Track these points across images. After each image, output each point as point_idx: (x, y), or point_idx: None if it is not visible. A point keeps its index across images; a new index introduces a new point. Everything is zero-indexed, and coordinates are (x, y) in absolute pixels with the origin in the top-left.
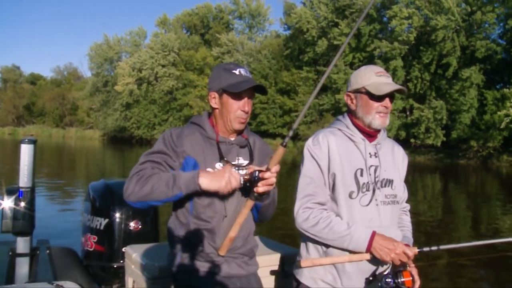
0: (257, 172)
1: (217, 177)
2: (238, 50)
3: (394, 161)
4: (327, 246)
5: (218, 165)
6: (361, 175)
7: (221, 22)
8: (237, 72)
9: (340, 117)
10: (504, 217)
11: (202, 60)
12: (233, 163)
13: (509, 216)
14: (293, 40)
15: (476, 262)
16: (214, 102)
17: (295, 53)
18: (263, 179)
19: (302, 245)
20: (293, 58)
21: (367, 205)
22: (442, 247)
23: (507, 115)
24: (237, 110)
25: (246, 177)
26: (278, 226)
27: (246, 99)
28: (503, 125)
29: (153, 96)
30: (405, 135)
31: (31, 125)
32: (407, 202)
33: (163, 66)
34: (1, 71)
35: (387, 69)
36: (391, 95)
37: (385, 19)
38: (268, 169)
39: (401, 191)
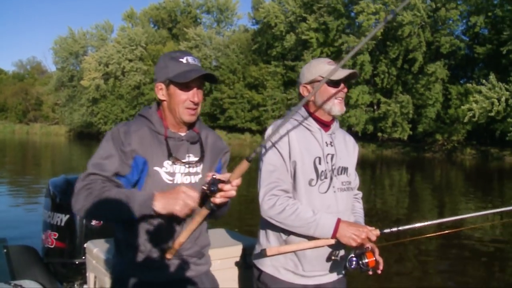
0: (216, 183)
1: (172, 199)
2: (206, 45)
3: (347, 149)
4: (288, 233)
5: (167, 163)
6: (319, 163)
7: (189, 16)
8: (184, 60)
9: (294, 107)
10: (467, 206)
11: None
12: (183, 160)
13: (470, 205)
14: (261, 34)
15: (432, 240)
16: (161, 94)
17: (263, 48)
18: (222, 190)
19: (262, 233)
20: (261, 53)
21: (325, 192)
22: (401, 227)
23: (470, 109)
24: (186, 101)
25: (204, 187)
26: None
27: (195, 89)
28: (466, 119)
29: (120, 91)
30: (373, 129)
31: None
32: (359, 189)
33: (130, 60)
34: None
35: (354, 64)
36: (345, 81)
37: (352, 14)
38: (228, 181)
39: (354, 178)
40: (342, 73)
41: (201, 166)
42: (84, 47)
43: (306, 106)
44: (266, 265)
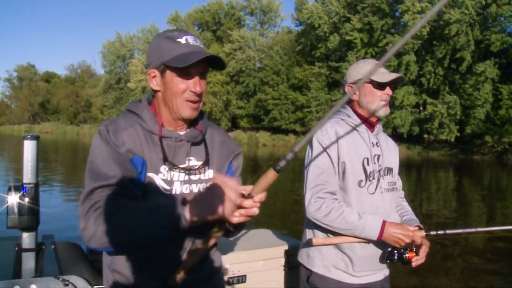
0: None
1: (206, 200)
2: (250, 46)
3: (390, 150)
4: (335, 234)
5: (163, 169)
6: (368, 163)
7: (232, 18)
8: (182, 40)
9: (336, 106)
10: None
11: None
12: (181, 166)
13: None
14: (305, 35)
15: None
16: (155, 82)
17: (307, 49)
18: (241, 207)
19: (309, 232)
20: (305, 54)
21: (374, 192)
22: (448, 231)
23: None
24: (186, 92)
25: None
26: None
27: (197, 77)
28: None
29: None
30: (419, 131)
31: (46, 123)
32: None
33: None
34: (17, 70)
35: (400, 64)
36: (391, 85)
37: (397, 13)
38: (250, 196)
39: (398, 178)
40: (388, 77)
41: (206, 171)
42: (131, 50)
43: (352, 105)
44: (317, 266)
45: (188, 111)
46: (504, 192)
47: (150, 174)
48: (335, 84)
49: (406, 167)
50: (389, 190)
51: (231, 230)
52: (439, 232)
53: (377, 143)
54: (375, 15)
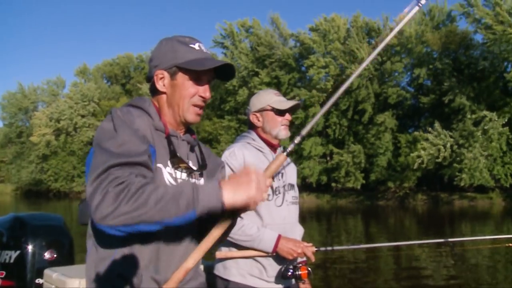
0: None
1: (243, 183)
2: None
3: (291, 169)
4: (237, 247)
5: (169, 164)
6: (273, 180)
7: (142, 72)
8: (196, 46)
9: (245, 133)
10: (420, 250)
11: None
12: (186, 165)
13: (423, 249)
14: (214, 89)
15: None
16: (162, 84)
17: (217, 103)
18: None
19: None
20: (215, 107)
21: (281, 205)
22: (336, 247)
23: (419, 156)
24: (195, 96)
25: None
26: None
27: (207, 83)
28: (416, 166)
29: (72, 147)
30: (327, 180)
31: None
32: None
33: (83, 116)
34: None
35: (306, 117)
36: (289, 111)
37: (303, 68)
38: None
39: (298, 193)
40: (287, 104)
41: (201, 179)
42: (35, 102)
43: (256, 131)
44: (233, 275)
45: (193, 116)
46: (406, 232)
47: (159, 165)
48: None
49: (316, 216)
50: (293, 203)
51: (240, 217)
52: (327, 248)
53: None
54: (282, 70)
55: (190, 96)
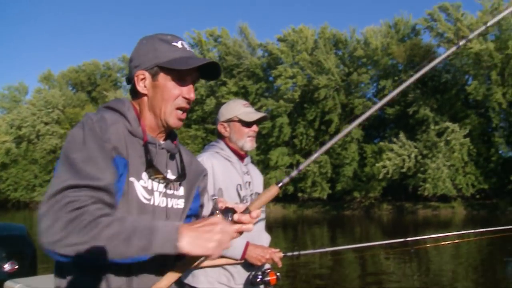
0: (230, 213)
1: (204, 233)
2: None
3: (257, 178)
4: None
5: (144, 175)
6: (241, 189)
7: (109, 79)
8: (179, 44)
9: (213, 142)
10: (383, 254)
11: None
12: (163, 176)
13: (386, 253)
14: None
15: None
16: (143, 85)
17: None
18: (238, 222)
19: None
20: None
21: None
22: (302, 252)
23: (384, 167)
24: (178, 98)
25: (217, 213)
26: None
27: (191, 84)
28: (381, 176)
29: (34, 155)
30: (293, 190)
31: None
32: None
33: (46, 123)
34: None
35: (273, 127)
36: (256, 123)
37: (271, 78)
38: (248, 210)
39: None
40: (254, 116)
41: (181, 188)
42: None
43: (224, 140)
44: (202, 282)
45: (175, 120)
46: (372, 240)
47: (131, 179)
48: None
49: (283, 226)
50: (262, 211)
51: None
52: (294, 253)
53: (247, 172)
54: (250, 79)
55: (173, 98)
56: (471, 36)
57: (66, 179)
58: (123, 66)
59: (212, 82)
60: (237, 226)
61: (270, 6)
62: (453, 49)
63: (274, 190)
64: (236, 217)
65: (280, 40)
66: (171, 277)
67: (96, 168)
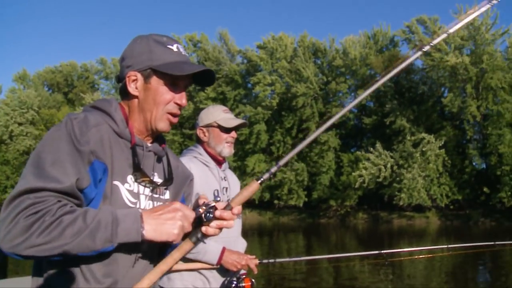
0: (212, 209)
1: (167, 219)
2: None
3: (235, 184)
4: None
5: (130, 179)
6: (218, 194)
7: (86, 81)
8: (174, 48)
9: (192, 147)
10: (359, 263)
11: None
12: (149, 179)
13: (361, 263)
14: None
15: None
16: (134, 86)
17: None
18: (219, 218)
19: None
20: None
21: None
22: (278, 260)
23: (360, 176)
24: (170, 103)
25: (200, 210)
26: None
27: (183, 89)
28: (357, 185)
29: (6, 156)
30: (269, 197)
31: None
32: None
33: (20, 124)
34: None
35: (251, 133)
36: (235, 129)
37: (249, 85)
38: (229, 206)
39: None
40: (233, 122)
41: (167, 191)
42: None
43: (202, 145)
44: (177, 285)
45: (165, 125)
46: (347, 248)
47: (116, 183)
48: None
49: (258, 233)
50: (238, 217)
51: (203, 242)
52: (270, 260)
53: (225, 177)
54: (228, 86)
55: (165, 103)
56: (434, 42)
57: (28, 181)
58: (101, 68)
59: (190, 88)
60: (218, 222)
61: (251, 13)
62: (418, 53)
63: (255, 186)
64: (218, 213)
65: (259, 47)
66: (153, 276)
67: (62, 171)
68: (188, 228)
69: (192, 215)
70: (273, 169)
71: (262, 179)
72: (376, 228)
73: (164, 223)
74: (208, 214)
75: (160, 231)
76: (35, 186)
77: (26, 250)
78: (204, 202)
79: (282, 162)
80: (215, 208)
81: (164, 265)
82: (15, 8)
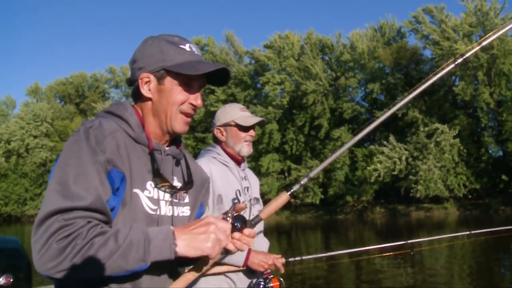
0: (240, 221)
1: (200, 234)
2: None
3: (255, 183)
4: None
5: (149, 185)
6: (240, 195)
7: (97, 91)
8: (187, 47)
9: (210, 147)
10: (381, 258)
11: None
12: (169, 184)
13: (384, 257)
14: None
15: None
16: (148, 88)
17: None
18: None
19: None
20: None
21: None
22: (304, 257)
23: (375, 170)
24: (185, 104)
25: (228, 218)
26: None
27: (198, 89)
28: (373, 179)
29: (24, 169)
30: None
31: None
32: None
33: (35, 137)
34: None
35: (263, 133)
36: (254, 127)
37: (259, 85)
38: (258, 217)
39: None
40: (251, 120)
41: (186, 196)
42: None
43: (221, 145)
44: None
45: (181, 125)
46: (366, 244)
47: (136, 191)
48: None
49: (277, 232)
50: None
51: (225, 256)
52: (296, 259)
53: (245, 177)
54: (238, 87)
55: (179, 104)
56: (467, 55)
57: (55, 202)
58: (110, 77)
59: (200, 91)
60: (240, 237)
61: (256, 13)
62: (452, 66)
63: (285, 197)
64: (237, 235)
65: (266, 46)
66: (178, 284)
67: (87, 186)
68: (226, 240)
69: (227, 226)
70: (303, 181)
71: (292, 190)
72: (395, 222)
73: (197, 237)
74: (236, 224)
75: (194, 246)
76: (62, 206)
77: (60, 273)
78: (231, 210)
79: (312, 173)
80: (244, 220)
81: (190, 274)
82: (23, 23)
